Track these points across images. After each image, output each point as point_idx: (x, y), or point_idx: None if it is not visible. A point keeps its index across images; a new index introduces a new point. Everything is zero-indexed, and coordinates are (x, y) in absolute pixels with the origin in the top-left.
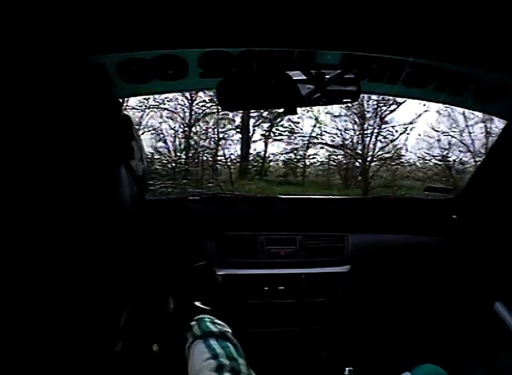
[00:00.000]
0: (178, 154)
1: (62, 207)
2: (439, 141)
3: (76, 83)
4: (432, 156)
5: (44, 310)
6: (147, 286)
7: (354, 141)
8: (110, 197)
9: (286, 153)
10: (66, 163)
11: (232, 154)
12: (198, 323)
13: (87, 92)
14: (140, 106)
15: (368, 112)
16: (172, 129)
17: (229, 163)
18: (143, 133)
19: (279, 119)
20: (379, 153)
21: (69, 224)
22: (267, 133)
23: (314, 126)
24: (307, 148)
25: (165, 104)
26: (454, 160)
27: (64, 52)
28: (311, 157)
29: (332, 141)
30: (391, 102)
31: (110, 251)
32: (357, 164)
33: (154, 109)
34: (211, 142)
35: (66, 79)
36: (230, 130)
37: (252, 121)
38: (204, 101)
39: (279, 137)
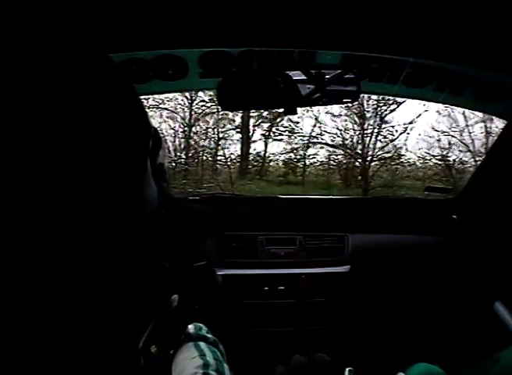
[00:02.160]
0: (178, 154)
1: (93, 206)
2: (439, 140)
3: (101, 80)
4: (432, 156)
5: (69, 313)
6: (170, 289)
7: (354, 140)
8: (139, 195)
9: (286, 153)
10: (95, 159)
11: (232, 154)
12: (195, 328)
13: (112, 89)
14: None
15: (368, 112)
16: (172, 129)
17: (229, 163)
18: None
19: (279, 119)
20: (379, 153)
21: (101, 224)
22: (267, 133)
23: (314, 126)
24: (307, 147)
25: (164, 104)
26: (454, 160)
27: (87, 50)
28: (311, 157)
29: (332, 140)
30: (391, 102)
31: (144, 254)
32: (357, 164)
33: (154, 109)
34: (211, 142)
35: (92, 76)
36: (230, 129)
37: (252, 121)
38: (204, 101)
39: (279, 137)
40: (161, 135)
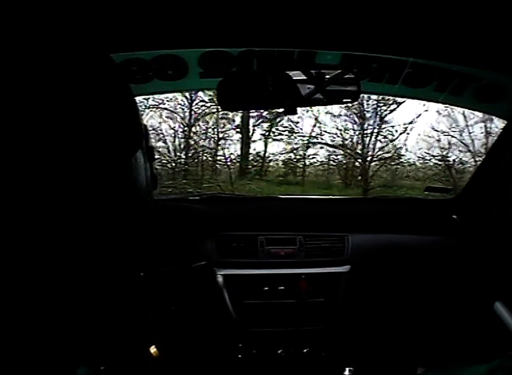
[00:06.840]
0: (178, 154)
1: (82, 199)
2: (438, 140)
3: (94, 76)
4: (432, 156)
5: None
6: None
7: (354, 140)
8: (127, 184)
9: (286, 153)
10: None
11: (232, 154)
12: None
13: (105, 84)
14: (140, 106)
15: (368, 112)
16: (172, 129)
17: (228, 163)
18: None
19: (278, 119)
20: (379, 153)
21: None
22: (267, 133)
23: (314, 126)
24: (307, 147)
25: (164, 104)
26: (454, 160)
27: (83, 49)
28: (311, 157)
29: (332, 140)
30: (391, 102)
31: (139, 254)
32: (357, 164)
33: (154, 109)
34: (211, 142)
35: (87, 73)
36: (230, 129)
37: (252, 121)
38: (204, 101)
39: (279, 137)
40: (161, 135)
